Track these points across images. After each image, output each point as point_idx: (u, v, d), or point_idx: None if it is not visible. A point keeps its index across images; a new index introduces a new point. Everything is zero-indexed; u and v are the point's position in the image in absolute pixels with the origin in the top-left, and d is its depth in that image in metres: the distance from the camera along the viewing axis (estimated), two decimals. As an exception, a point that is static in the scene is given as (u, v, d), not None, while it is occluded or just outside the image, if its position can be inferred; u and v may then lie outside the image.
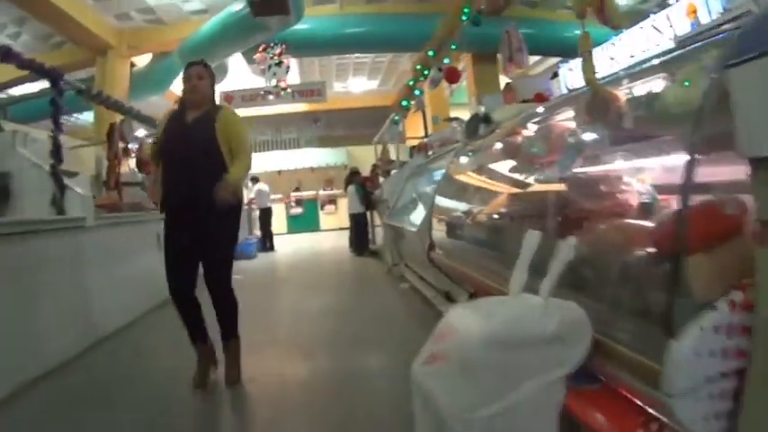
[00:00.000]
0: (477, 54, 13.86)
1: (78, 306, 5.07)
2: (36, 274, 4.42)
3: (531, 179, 3.12)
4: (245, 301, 4.09)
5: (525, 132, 3.61)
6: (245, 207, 14.78)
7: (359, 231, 11.88)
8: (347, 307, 6.53)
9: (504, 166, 3.69)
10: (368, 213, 11.96)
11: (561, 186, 2.70)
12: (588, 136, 2.75)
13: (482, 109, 4.95)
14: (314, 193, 22.89)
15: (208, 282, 3.92)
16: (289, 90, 13.66)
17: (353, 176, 12.36)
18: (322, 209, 22.48)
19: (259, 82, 14.29)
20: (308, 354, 4.49)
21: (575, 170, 2.61)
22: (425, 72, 10.00)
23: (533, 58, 17.93)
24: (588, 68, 2.72)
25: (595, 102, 2.72)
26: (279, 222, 21.30)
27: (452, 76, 9.67)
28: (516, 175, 3.42)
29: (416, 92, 10.73)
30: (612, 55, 9.61)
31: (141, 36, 14.13)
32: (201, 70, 3.91)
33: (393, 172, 10.85)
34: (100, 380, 4.20)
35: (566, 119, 3.21)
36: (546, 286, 1.87)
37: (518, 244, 2.13)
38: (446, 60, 9.32)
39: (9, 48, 4.93)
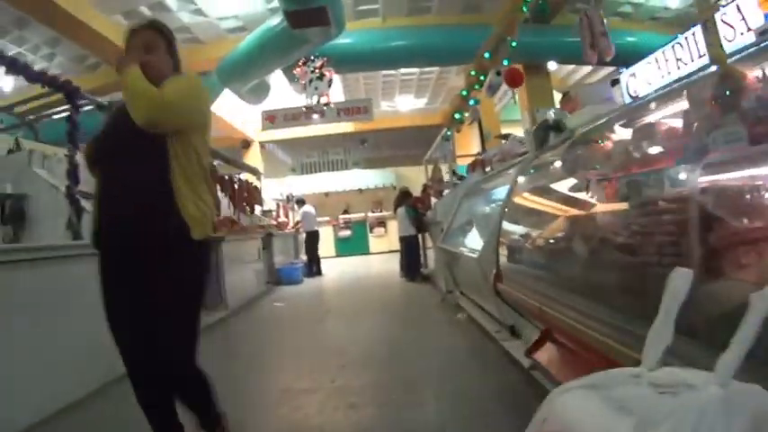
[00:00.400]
0: (527, 65, 13.06)
1: (94, 341, 4.50)
2: (50, 302, 3.96)
3: (639, 193, 2.35)
4: (282, 336, 3.38)
5: (618, 135, 2.89)
6: (291, 230, 14.29)
7: (410, 255, 11.17)
8: (398, 343, 5.72)
9: (593, 178, 2.94)
10: (419, 236, 11.27)
11: (692, 200, 1.94)
12: (721, 132, 1.99)
13: (551, 115, 4.18)
14: (363, 215, 22.38)
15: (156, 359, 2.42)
16: (333, 106, 13.08)
17: (404, 197, 11.67)
18: (371, 231, 21.92)
19: (302, 101, 13.77)
20: (352, 406, 3.73)
21: (711, 176, 1.87)
22: (481, 78, 9.20)
23: (587, 68, 17.20)
24: (715, 40, 2.01)
25: (726, 85, 2.02)
26: (327, 245, 20.91)
27: (515, 77, 8.64)
28: (613, 189, 2.66)
29: (471, 101, 9.96)
30: (679, 56, 8.78)
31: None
32: (151, 36, 2.61)
33: (446, 192, 10.21)
34: (120, 416, 3.55)
35: (674, 115, 2.48)
36: (728, 364, 1.12)
37: (619, 276, 1.45)
38: (505, 62, 8.39)
39: (15, 59, 4.48)
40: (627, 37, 12.51)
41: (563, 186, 3.33)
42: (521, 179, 4.07)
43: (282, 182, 19.35)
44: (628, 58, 11.02)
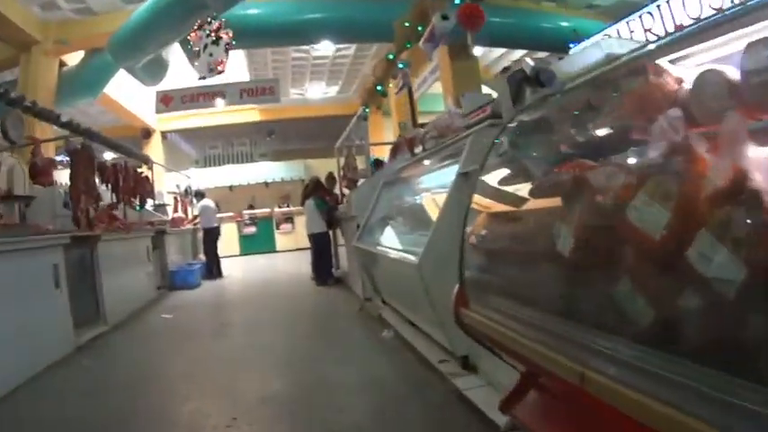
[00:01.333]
0: (452, 47, 12.08)
1: None
2: None
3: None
4: (157, 361, 2.21)
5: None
6: (190, 226, 12.85)
7: (321, 256, 9.98)
8: (310, 375, 4.36)
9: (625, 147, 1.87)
10: (330, 233, 10.08)
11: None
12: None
13: (529, 63, 3.07)
14: (269, 210, 20.90)
15: None
16: (234, 87, 11.75)
17: (315, 189, 10.33)
18: (278, 228, 20.50)
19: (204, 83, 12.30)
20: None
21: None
22: (419, 28, 7.91)
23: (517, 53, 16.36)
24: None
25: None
26: (230, 243, 19.56)
27: (473, 15, 7.29)
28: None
29: (400, 65, 8.77)
30: (649, 26, 8.21)
31: (69, 29, 11.97)
32: None
33: (361, 182, 9.19)
34: None
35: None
36: None
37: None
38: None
39: None
40: (559, 21, 11.92)
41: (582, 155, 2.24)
42: (493, 155, 2.88)
43: (184, 175, 17.75)
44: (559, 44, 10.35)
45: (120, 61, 10.68)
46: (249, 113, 21.30)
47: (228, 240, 19.56)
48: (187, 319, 7.58)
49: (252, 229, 20.39)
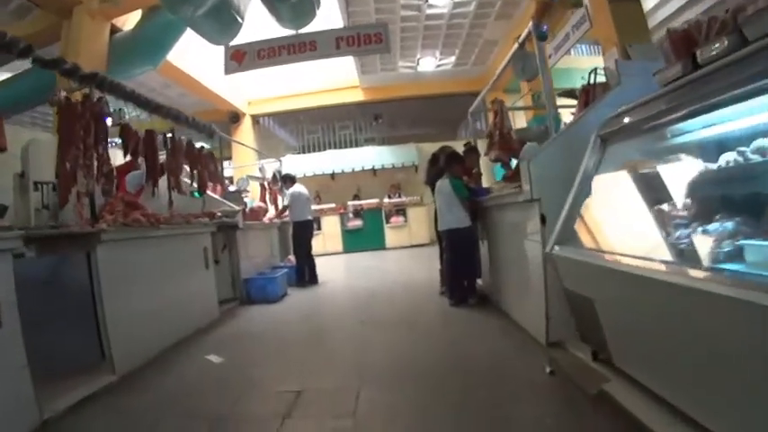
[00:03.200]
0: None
1: None
2: None
3: None
4: None
5: None
6: (276, 220, 10.06)
7: (462, 262, 6.62)
8: None
9: None
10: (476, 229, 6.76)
11: None
12: None
13: None
14: (377, 201, 18.09)
15: None
16: (327, 35, 8.79)
17: (449, 162, 6.86)
18: (387, 221, 17.66)
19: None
20: None
21: None
22: None
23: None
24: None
25: None
26: (332, 239, 17.27)
27: None
28: None
29: None
30: None
31: (117, -16, 9.54)
32: None
33: (527, 146, 6.17)
34: None
35: None
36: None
37: None
38: None
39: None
40: None
41: None
42: None
43: (277, 159, 15.32)
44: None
45: (176, 10, 7.96)
46: (351, 93, 18.68)
47: (330, 236, 17.05)
48: (241, 370, 4.63)
49: (357, 223, 17.62)
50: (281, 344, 5.40)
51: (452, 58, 16.76)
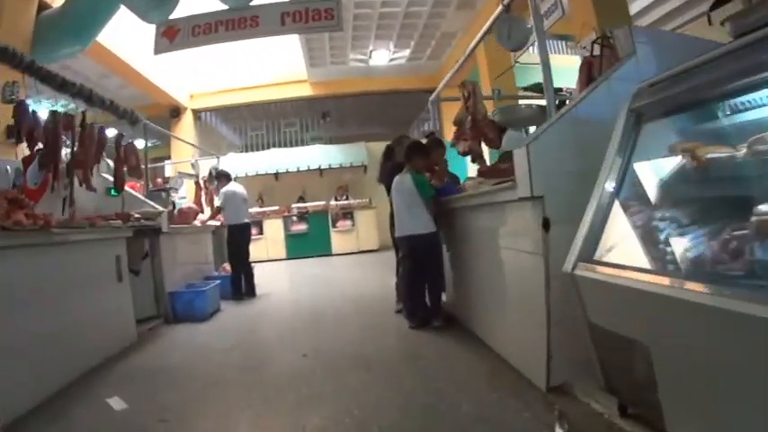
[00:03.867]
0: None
1: None
2: None
3: None
4: None
5: None
6: (210, 223, 8.92)
7: (425, 276, 5.55)
8: None
9: None
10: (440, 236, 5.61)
11: None
12: None
13: None
14: (323, 203, 16.94)
15: None
16: (272, 10, 7.64)
17: (412, 154, 5.70)
18: (334, 225, 16.52)
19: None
20: None
21: None
22: None
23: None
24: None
25: None
26: (275, 244, 16.08)
27: None
28: None
29: None
30: None
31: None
32: None
33: (508, 134, 5.53)
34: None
35: None
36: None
37: None
38: None
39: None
40: None
41: None
42: None
43: (214, 156, 14.18)
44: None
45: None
46: (299, 87, 17.43)
47: (273, 241, 15.88)
48: (145, 424, 3.49)
49: (302, 227, 16.47)
50: (200, 384, 4.23)
51: (407, 52, 15.76)
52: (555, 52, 14.42)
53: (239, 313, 7.30)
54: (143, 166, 7.69)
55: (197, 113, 17.71)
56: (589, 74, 4.41)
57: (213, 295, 7.38)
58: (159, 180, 10.84)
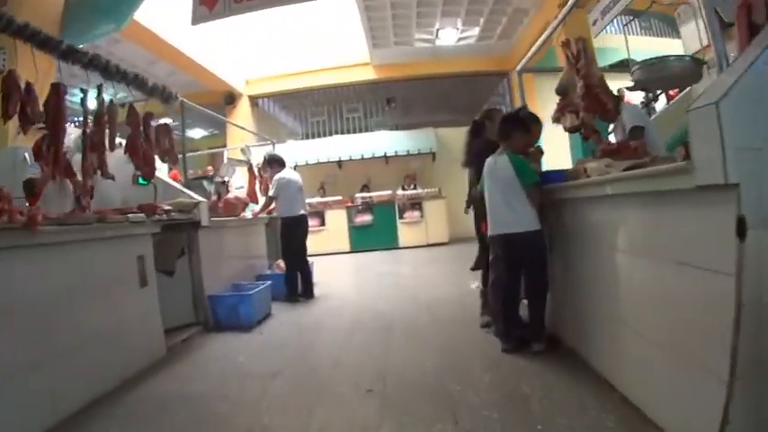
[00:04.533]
0: None
1: None
2: None
3: None
4: None
5: None
6: (262, 215, 7.98)
7: (528, 285, 4.34)
8: None
9: None
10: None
11: None
12: None
13: None
14: (389, 193, 15.78)
15: None
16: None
17: (508, 130, 4.33)
18: (401, 217, 15.40)
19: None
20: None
21: None
22: None
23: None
24: None
25: None
26: (338, 236, 15.17)
27: None
28: None
29: None
30: None
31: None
32: None
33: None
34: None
35: None
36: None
37: None
38: None
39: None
40: None
41: None
42: None
43: (281, 149, 13.45)
44: None
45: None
46: (361, 71, 16.48)
47: (336, 233, 14.92)
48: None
49: (366, 218, 15.47)
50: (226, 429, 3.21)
51: (476, 30, 14.45)
52: (634, 33, 13.18)
53: (292, 321, 6.23)
54: (181, 154, 6.71)
55: (254, 100, 16.99)
56: (748, 20, 3.16)
57: (261, 299, 6.35)
58: (209, 168, 9.90)
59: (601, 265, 3.42)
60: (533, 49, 6.08)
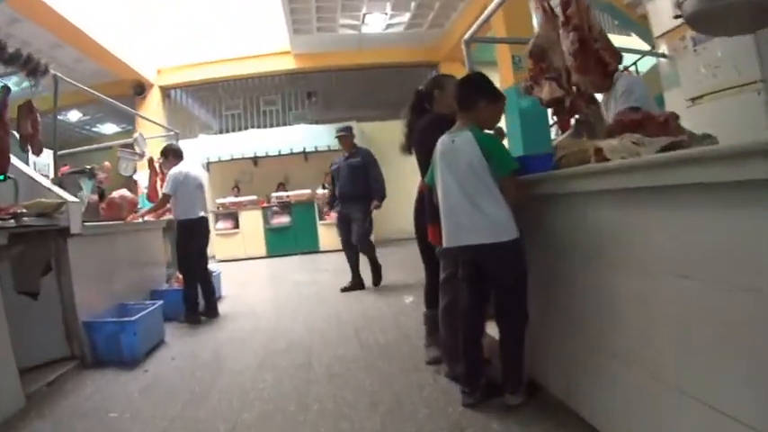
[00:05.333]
0: None
1: None
2: None
3: None
4: None
5: None
6: (149, 218, 6.74)
7: (503, 314, 3.09)
8: None
9: None
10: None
11: None
12: None
13: None
14: (308, 192, 14.56)
15: None
16: None
17: (472, 97, 3.13)
18: (321, 218, 14.21)
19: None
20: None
21: None
22: None
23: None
24: None
25: None
26: (253, 240, 14.01)
27: None
28: None
29: None
30: None
31: None
32: None
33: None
34: None
35: None
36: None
37: None
38: None
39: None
40: None
41: None
42: None
43: (193, 145, 12.27)
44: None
45: None
46: (281, 60, 15.56)
47: (250, 236, 13.79)
48: None
49: (284, 220, 14.29)
50: None
51: (406, 17, 13.59)
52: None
53: (187, 353, 4.99)
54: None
55: (165, 91, 15.74)
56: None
57: (150, 324, 5.11)
58: (107, 164, 8.46)
59: (610, 288, 2.40)
60: (483, 16, 5.06)
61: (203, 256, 6.56)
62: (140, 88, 14.81)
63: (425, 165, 3.49)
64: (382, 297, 6.81)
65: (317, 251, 14.03)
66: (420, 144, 3.77)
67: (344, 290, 7.58)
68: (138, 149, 8.55)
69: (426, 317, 4.15)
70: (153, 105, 15.03)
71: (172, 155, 6.57)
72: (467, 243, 3.07)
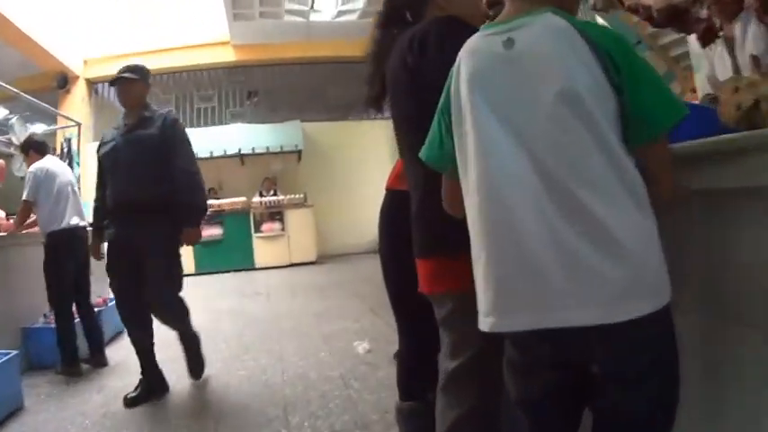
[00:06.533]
0: None
1: None
2: None
3: None
4: None
5: None
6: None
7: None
8: None
9: None
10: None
11: None
12: None
13: None
14: (243, 200, 12.94)
15: None
16: None
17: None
18: (258, 230, 12.65)
19: None
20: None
21: None
22: None
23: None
24: None
25: None
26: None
27: None
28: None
29: None
30: None
31: None
32: None
33: None
34: None
35: None
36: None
37: None
38: None
39: None
40: None
41: None
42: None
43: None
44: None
45: None
46: (219, 51, 14.11)
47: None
48: None
49: (215, 232, 12.46)
50: None
51: (360, 3, 12.10)
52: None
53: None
54: None
55: (92, 84, 14.10)
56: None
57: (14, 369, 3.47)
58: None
59: None
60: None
61: (83, 280, 4.84)
62: (63, 80, 13.21)
63: (419, 122, 1.61)
64: (326, 338, 5.20)
65: (252, 268, 12.46)
66: (432, 71, 1.61)
67: (130, 404, 3.79)
68: (14, 139, 6.73)
69: (401, 415, 2.40)
70: (77, 101, 13.56)
71: (33, 149, 4.86)
72: (563, 323, 1.17)
